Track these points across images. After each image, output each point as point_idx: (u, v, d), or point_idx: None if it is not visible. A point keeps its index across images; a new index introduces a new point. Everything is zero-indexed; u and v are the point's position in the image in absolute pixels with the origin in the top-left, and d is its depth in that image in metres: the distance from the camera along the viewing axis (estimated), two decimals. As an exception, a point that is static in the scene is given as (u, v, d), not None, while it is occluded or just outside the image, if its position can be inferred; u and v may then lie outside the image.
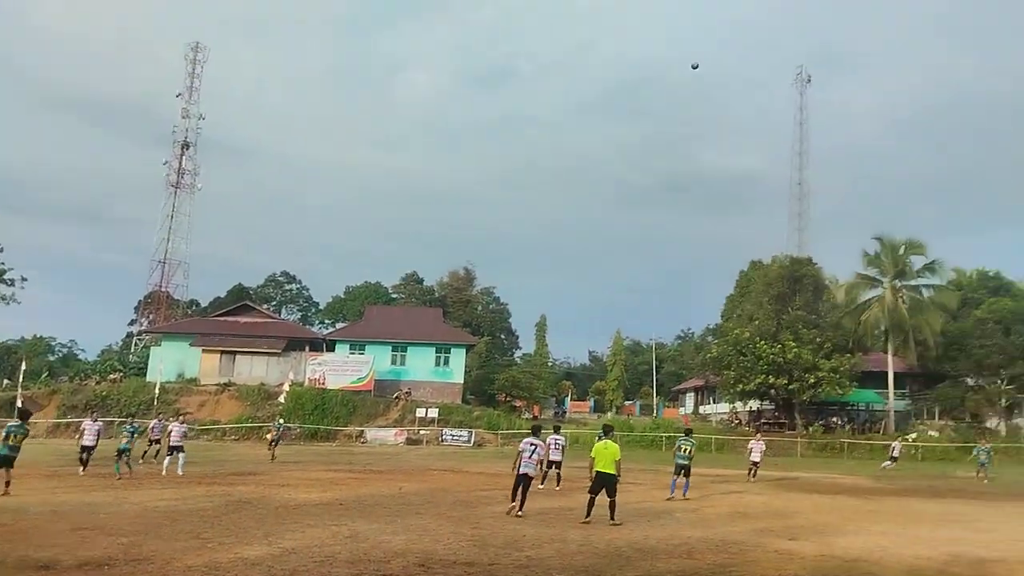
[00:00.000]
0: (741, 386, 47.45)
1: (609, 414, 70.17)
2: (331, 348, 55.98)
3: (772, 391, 47.47)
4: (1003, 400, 46.26)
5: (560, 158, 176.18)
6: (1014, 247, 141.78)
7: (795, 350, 45.46)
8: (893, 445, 35.30)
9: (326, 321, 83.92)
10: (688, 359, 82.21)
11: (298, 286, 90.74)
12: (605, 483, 13.80)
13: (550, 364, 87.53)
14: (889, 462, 32.37)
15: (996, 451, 40.65)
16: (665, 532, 13.14)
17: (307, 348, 55.76)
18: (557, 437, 20.87)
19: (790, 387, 45.93)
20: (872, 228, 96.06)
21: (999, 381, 45.79)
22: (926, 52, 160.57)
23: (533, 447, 14.77)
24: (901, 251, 50.43)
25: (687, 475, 18.66)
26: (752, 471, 25.49)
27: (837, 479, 27.55)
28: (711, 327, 78.27)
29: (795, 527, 14.39)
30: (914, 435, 45.68)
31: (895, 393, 50.31)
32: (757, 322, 50.47)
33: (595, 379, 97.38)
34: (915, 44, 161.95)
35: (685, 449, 18.88)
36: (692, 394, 73.49)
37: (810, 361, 45.41)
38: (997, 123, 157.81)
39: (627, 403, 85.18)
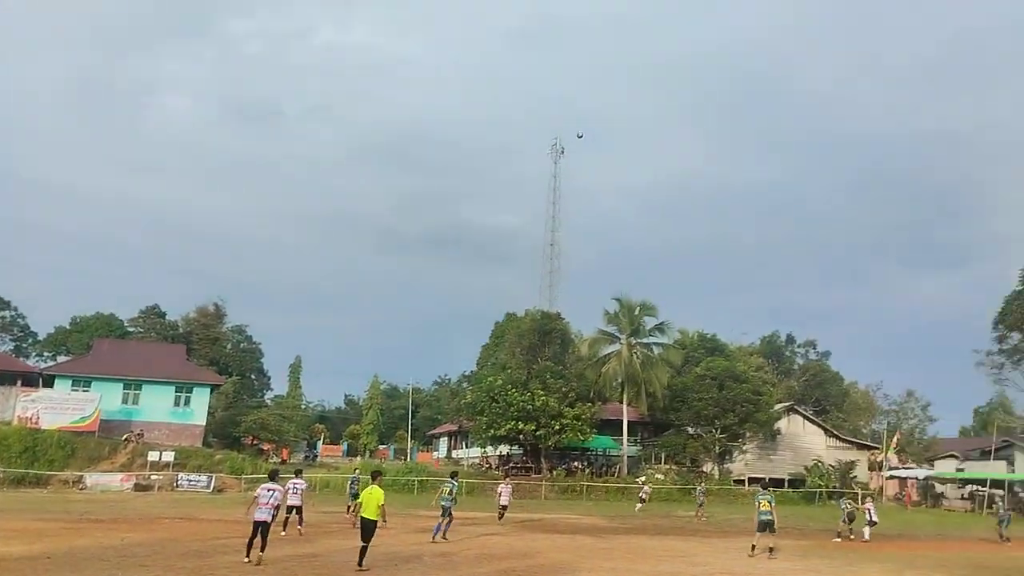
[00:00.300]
0: (493, 431, 48.91)
1: (358, 458, 68.93)
2: (49, 383, 49.69)
3: (521, 436, 49.42)
4: (717, 447, 51.85)
5: (326, 201, 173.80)
6: (727, 313, 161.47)
7: (543, 398, 47.84)
8: (644, 488, 38.51)
9: (45, 354, 74.29)
10: (444, 404, 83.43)
11: (12, 313, 79.56)
12: (363, 528, 13.89)
13: (303, 406, 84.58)
14: (640, 504, 35.08)
15: (710, 492, 45.40)
16: (415, 574, 13.12)
17: (19, 383, 49.07)
18: (297, 481, 20.25)
19: (537, 433, 48.11)
20: (613, 289, 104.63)
21: (713, 430, 51.24)
22: (666, 139, 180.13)
23: (270, 492, 14.33)
24: (636, 311, 55.16)
25: (448, 516, 19.59)
26: (501, 514, 26.32)
27: (576, 520, 29.20)
28: (467, 374, 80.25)
29: (536, 566, 15.03)
30: (643, 478, 49.69)
31: (628, 439, 54.59)
32: (509, 371, 52.50)
33: (350, 422, 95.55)
34: (657, 131, 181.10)
35: (447, 490, 20.02)
36: (446, 438, 74.43)
37: (556, 409, 48.00)
38: (721, 203, 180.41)
39: (381, 447, 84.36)
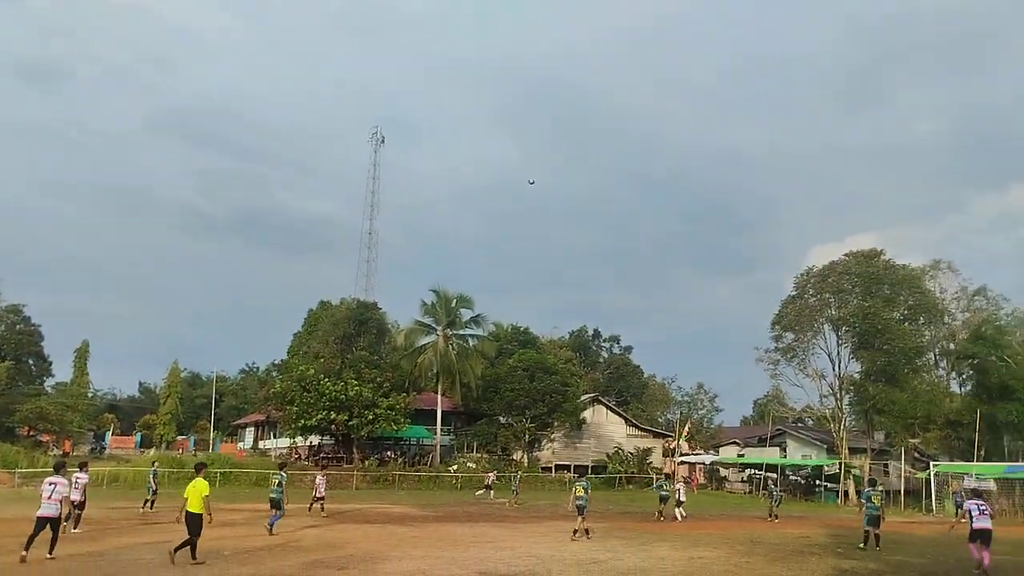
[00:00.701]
0: (303, 421, 47.51)
1: (152, 450, 64.53)
2: None
3: (333, 426, 48.40)
4: (527, 436, 53.56)
5: (121, 175, 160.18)
6: (540, 308, 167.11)
7: (357, 388, 47.15)
8: (490, 476, 39.87)
9: None
10: (251, 393, 79.99)
11: None
12: (188, 523, 13.41)
13: (90, 395, 77.74)
14: (484, 490, 35.78)
15: (522, 480, 46.78)
16: (213, 571, 12.47)
17: None
18: (80, 475, 18.76)
19: (350, 423, 47.34)
20: (431, 281, 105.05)
21: (524, 419, 52.90)
22: (485, 137, 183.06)
23: (52, 486, 13.32)
24: (453, 304, 55.75)
25: (278, 508, 19.46)
26: (314, 504, 25.89)
27: (388, 509, 29.02)
28: (277, 362, 77.35)
29: (345, 557, 14.79)
30: (455, 466, 50.32)
31: (442, 429, 55.07)
32: (323, 360, 51.25)
33: (145, 412, 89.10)
34: (476, 129, 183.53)
35: (275, 482, 20.07)
36: (253, 428, 71.42)
37: (370, 399, 47.47)
38: (534, 203, 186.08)
39: (180, 437, 79.47)
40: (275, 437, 62.11)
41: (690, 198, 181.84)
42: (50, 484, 13.30)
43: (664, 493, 28.17)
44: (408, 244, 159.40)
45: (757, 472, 52.41)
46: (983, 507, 15.78)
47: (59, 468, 14.29)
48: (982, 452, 42.92)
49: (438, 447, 53.64)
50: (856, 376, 48.97)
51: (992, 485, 37.70)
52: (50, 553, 13.08)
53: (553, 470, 55.27)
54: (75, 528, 17.98)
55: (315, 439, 53.88)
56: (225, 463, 47.40)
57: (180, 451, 64.96)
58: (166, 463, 45.13)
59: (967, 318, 55.11)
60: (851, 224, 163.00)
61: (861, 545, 18.71)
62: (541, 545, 17.69)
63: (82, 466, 20.26)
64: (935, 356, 55.74)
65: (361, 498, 35.72)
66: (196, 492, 13.53)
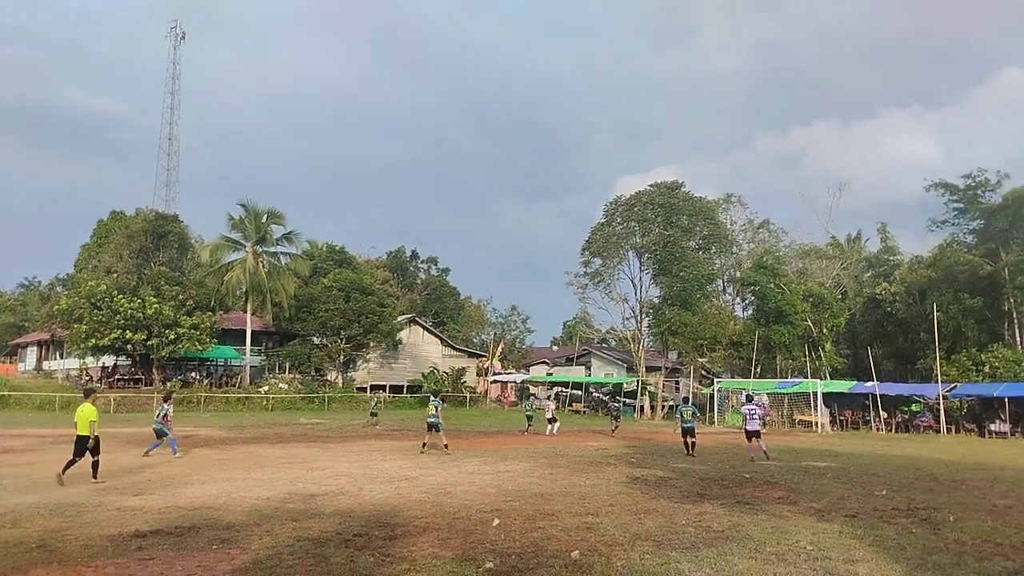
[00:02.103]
0: (94, 341, 44.02)
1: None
2: None
3: (129, 346, 45.28)
4: (341, 356, 53.01)
5: None
6: (357, 227, 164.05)
7: (156, 306, 44.25)
8: (374, 400, 39.23)
9: None
10: (33, 310, 72.81)
11: None
12: (77, 444, 14.22)
13: None
14: (371, 417, 35.12)
15: (335, 400, 46.55)
16: (-14, 503, 11.39)
17: None
18: None
19: (149, 343, 44.53)
20: (239, 194, 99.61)
21: (339, 340, 52.23)
22: (293, 41, 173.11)
23: None
24: (263, 219, 52.99)
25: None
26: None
27: (192, 431, 27.75)
28: (61, 276, 70.81)
29: (142, 482, 14.05)
30: (266, 387, 49.00)
31: (252, 349, 53.15)
32: (116, 275, 47.51)
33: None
34: (284, 31, 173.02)
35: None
36: (35, 348, 65.34)
37: (171, 317, 44.77)
38: (356, 120, 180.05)
39: (-57, 359, 71.19)
40: (62, 357, 57.20)
41: (508, 121, 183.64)
42: None
43: (529, 413, 31.83)
44: (214, 153, 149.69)
45: (563, 389, 55.35)
46: (753, 413, 20.23)
47: None
48: (759, 370, 47.88)
49: (247, 368, 51.83)
50: (655, 300, 52.55)
51: (766, 399, 42.31)
52: None
53: (369, 390, 55.32)
54: None
55: (109, 359, 50.24)
56: (2, 386, 43.22)
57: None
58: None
59: (752, 248, 60.61)
60: (656, 156, 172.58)
61: (687, 453, 20.95)
62: (353, 464, 17.74)
63: None
64: (723, 283, 61.01)
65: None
66: (85, 417, 14.21)
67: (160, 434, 19.51)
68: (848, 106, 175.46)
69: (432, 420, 21.54)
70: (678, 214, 51.47)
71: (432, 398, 23.43)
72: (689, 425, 21.25)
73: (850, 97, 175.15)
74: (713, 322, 51.35)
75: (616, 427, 31.82)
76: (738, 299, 60.13)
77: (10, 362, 70.52)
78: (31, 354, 66.50)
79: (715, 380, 48.47)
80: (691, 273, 49.85)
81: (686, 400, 24.37)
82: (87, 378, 50.16)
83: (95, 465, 14.22)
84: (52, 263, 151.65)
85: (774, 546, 8.85)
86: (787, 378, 45.91)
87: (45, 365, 61.75)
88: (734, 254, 59.67)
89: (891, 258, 61.59)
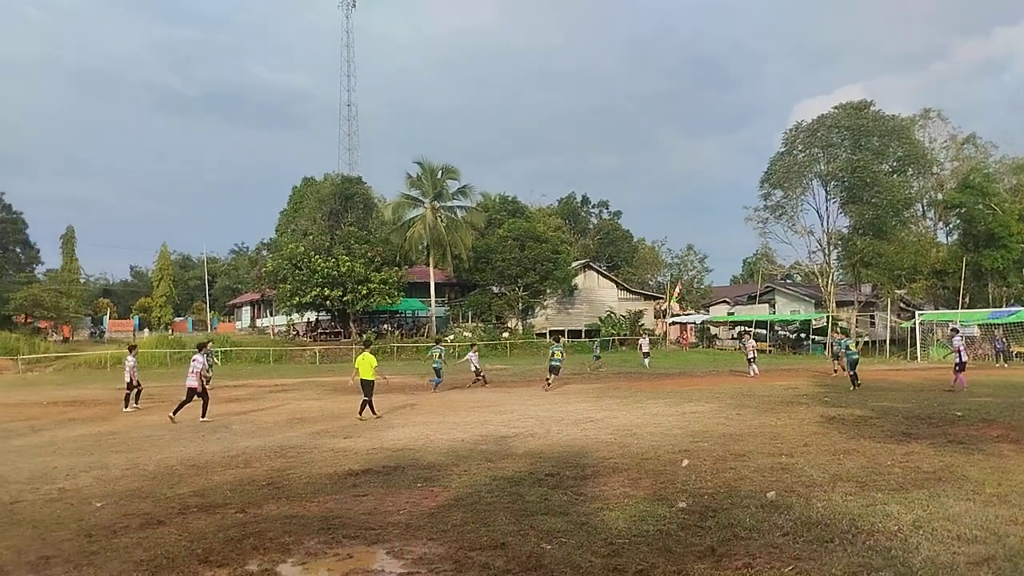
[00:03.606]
0: (298, 299, 47.96)
1: (145, 332, 65.20)
2: None
3: (328, 303, 48.89)
4: (520, 304, 54.35)
5: (81, 56, 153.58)
6: (525, 176, 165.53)
7: (348, 264, 47.28)
8: (596, 343, 40.52)
9: None
10: (243, 273, 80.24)
11: None
12: (364, 387, 16.55)
13: (82, 280, 77.86)
14: (595, 359, 35.78)
15: (515, 347, 47.83)
16: (221, 445, 12.83)
17: None
18: (129, 358, 19.84)
19: (344, 298, 47.81)
20: (414, 152, 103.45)
21: (516, 288, 53.51)
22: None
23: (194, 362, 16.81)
24: (439, 175, 54.71)
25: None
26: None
27: (388, 379, 29.65)
28: (265, 241, 77.27)
29: (349, 427, 15.22)
30: (451, 336, 51.30)
31: (436, 301, 55.72)
32: (311, 237, 51.10)
33: (139, 295, 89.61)
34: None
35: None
36: (249, 307, 72.17)
37: (362, 274, 47.71)
38: (511, 65, 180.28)
39: (178, 319, 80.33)
40: (271, 315, 62.85)
41: (672, 54, 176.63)
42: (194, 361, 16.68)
43: (555, 363, 24.74)
44: (388, 116, 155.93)
45: (747, 328, 53.55)
46: (960, 345, 21.15)
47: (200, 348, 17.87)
48: (967, 300, 43.84)
49: (433, 318, 54.44)
50: (844, 231, 49.28)
51: (976, 331, 38.76)
52: (203, 416, 16.25)
53: (548, 335, 56.42)
54: (134, 404, 19.28)
55: (312, 315, 54.55)
56: (225, 342, 48.21)
57: (179, 332, 65.74)
58: (167, 344, 45.89)
59: (956, 167, 54.94)
60: (838, 76, 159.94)
61: (851, 388, 20.87)
62: (539, 407, 18.23)
63: (131, 348, 20.73)
64: (923, 207, 55.96)
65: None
66: (367, 364, 16.62)
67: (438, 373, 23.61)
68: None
69: (556, 363, 23.88)
70: (867, 136, 47.58)
71: (555, 343, 26.83)
72: (855, 357, 22.04)
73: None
74: (912, 250, 47.43)
75: (837, 370, 27.66)
76: (941, 224, 54.97)
77: (229, 321, 78.48)
78: (246, 313, 73.57)
79: (916, 313, 44.90)
80: (885, 199, 46.12)
81: (847, 333, 25.05)
82: (293, 333, 54.84)
83: (370, 404, 16.51)
84: (258, 229, 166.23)
85: (994, 487, 8.16)
86: (1001, 307, 41.67)
87: (258, 322, 68.14)
88: (935, 175, 54.36)
89: None
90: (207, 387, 16.83)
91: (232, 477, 10.00)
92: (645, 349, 36.44)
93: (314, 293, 47.22)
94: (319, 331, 53.50)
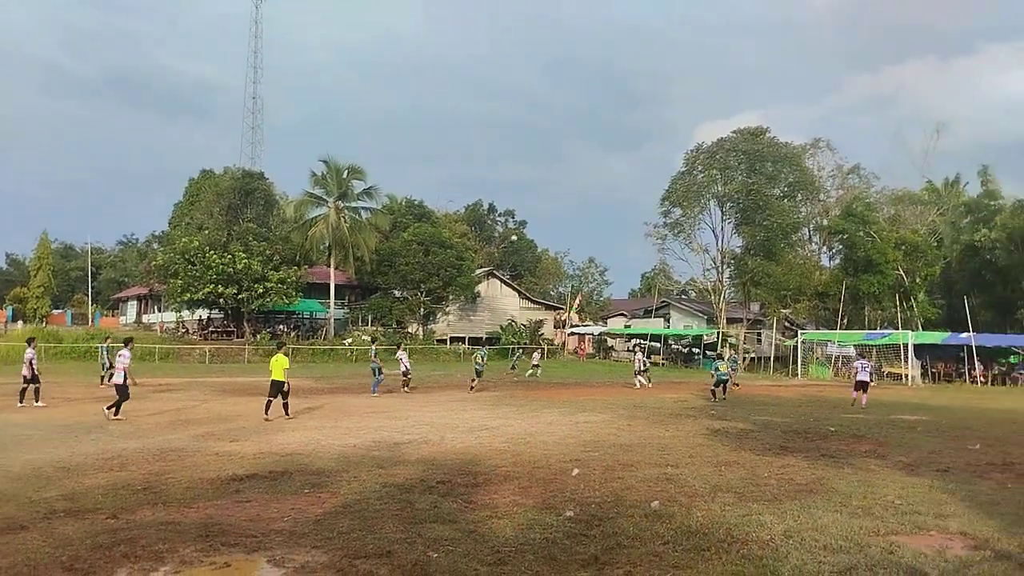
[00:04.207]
0: (189, 295, 46.06)
1: (21, 324, 61.31)
2: None
3: (221, 300, 47.19)
4: (422, 309, 53.96)
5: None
6: (432, 181, 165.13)
7: (245, 261, 45.81)
8: (534, 355, 39.74)
9: None
10: (131, 266, 76.64)
11: None
12: (272, 386, 16.66)
13: (-51, 266, 72.51)
14: (532, 370, 36.20)
15: (415, 352, 47.30)
16: (96, 447, 12.18)
17: None
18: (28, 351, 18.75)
19: (239, 297, 46.27)
20: (321, 151, 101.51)
21: (419, 293, 53.10)
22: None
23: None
24: (344, 174, 53.75)
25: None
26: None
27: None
28: (157, 234, 74.03)
29: (237, 429, 14.73)
30: (350, 340, 50.40)
31: (336, 303, 54.68)
32: (207, 232, 49.27)
33: (14, 285, 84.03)
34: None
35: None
36: (135, 302, 68.93)
37: (260, 272, 46.31)
38: (430, 72, 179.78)
39: (56, 311, 75.79)
40: (160, 311, 60.16)
41: (587, 70, 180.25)
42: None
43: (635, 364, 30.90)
44: (298, 113, 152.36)
45: (642, 341, 54.94)
46: (865, 366, 23.12)
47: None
48: (845, 321, 46.43)
49: (332, 320, 53.38)
50: (737, 251, 51.33)
51: (852, 351, 41.08)
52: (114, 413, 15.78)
53: (448, 342, 56.25)
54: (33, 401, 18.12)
55: (204, 313, 52.55)
56: (107, 338, 45.73)
57: (56, 325, 61.98)
58: (43, 337, 43.15)
59: (840, 196, 58.19)
60: (738, 102, 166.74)
61: (712, 399, 22.68)
62: (435, 413, 18.16)
63: (30, 341, 19.70)
64: (809, 231, 58.98)
65: (253, 371, 35.37)
66: (279, 365, 16.60)
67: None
68: (945, 43, 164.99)
69: (478, 367, 26.26)
70: (762, 161, 49.82)
71: (479, 348, 28.55)
72: (724, 378, 23.59)
73: (947, 33, 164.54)
74: (798, 272, 49.89)
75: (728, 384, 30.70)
76: (825, 248, 58.07)
77: (113, 315, 74.63)
78: (132, 308, 70.16)
79: (799, 332, 47.25)
80: (775, 222, 48.38)
81: (720, 356, 27.95)
82: (183, 331, 52.63)
83: (286, 406, 16.60)
84: (149, 221, 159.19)
85: (860, 500, 8.67)
86: (875, 329, 44.37)
87: (145, 318, 65.07)
88: (821, 201, 57.45)
89: (992, 203, 58.14)
90: (129, 384, 16.17)
91: (105, 481, 9.50)
92: (535, 361, 37.58)
93: (207, 290, 45.47)
94: (211, 329, 51.56)
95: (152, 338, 49.38)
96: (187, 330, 52.93)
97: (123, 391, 15.96)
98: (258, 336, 48.36)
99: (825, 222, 55.46)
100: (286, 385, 16.58)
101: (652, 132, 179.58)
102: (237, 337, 48.99)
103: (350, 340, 50.34)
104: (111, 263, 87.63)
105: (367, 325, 54.70)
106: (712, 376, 24.74)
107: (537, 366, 37.02)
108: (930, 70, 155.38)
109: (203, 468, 10.44)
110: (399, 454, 11.91)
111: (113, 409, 15.74)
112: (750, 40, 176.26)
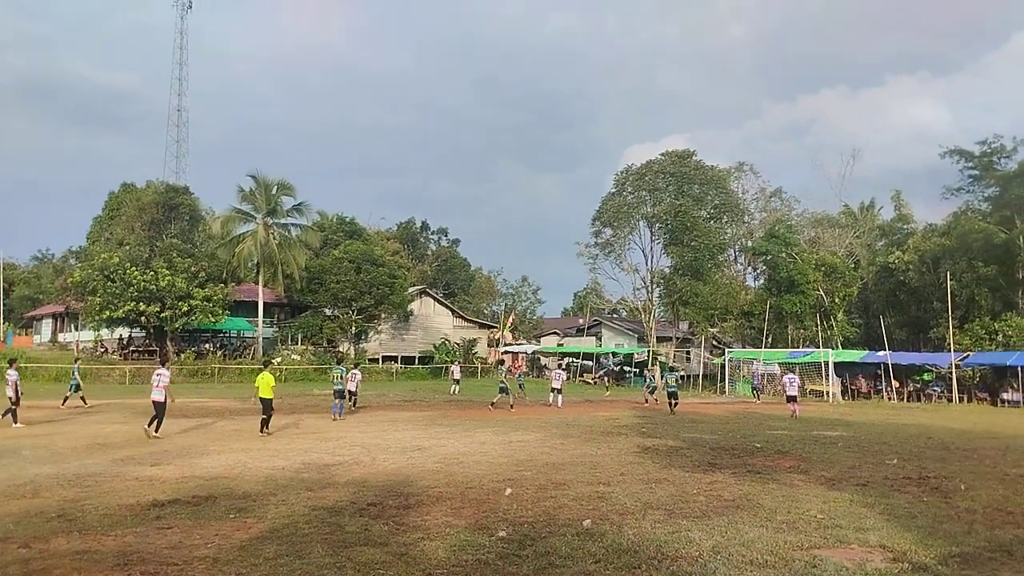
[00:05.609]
0: (108, 313, 44.34)
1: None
2: None
3: (143, 319, 45.59)
4: (353, 328, 53.23)
5: None
6: (364, 197, 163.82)
7: (168, 278, 44.43)
8: (454, 368, 40.33)
9: None
10: (46, 283, 73.39)
11: None
12: (263, 405, 17.48)
13: None
14: (455, 386, 37.20)
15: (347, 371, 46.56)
16: (7, 473, 11.58)
17: None
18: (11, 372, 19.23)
19: (162, 315, 44.81)
20: (249, 166, 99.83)
21: (350, 312, 52.39)
22: (306, 10, 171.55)
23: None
24: (274, 190, 52.72)
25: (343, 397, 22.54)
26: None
27: (206, 403, 28.08)
28: (74, 249, 71.22)
29: (159, 453, 14.22)
30: (279, 359, 49.32)
31: (264, 321, 53.44)
32: (128, 248, 47.67)
33: (-83, 303, 79.49)
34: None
35: (337, 376, 23.13)
36: (50, 320, 66.00)
37: (184, 289, 44.96)
38: (360, 87, 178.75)
39: (-39, 332, 71.93)
40: (77, 330, 57.74)
41: (515, 89, 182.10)
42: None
43: (502, 385, 29.47)
44: (224, 126, 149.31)
45: (575, 360, 55.44)
46: (793, 380, 26.60)
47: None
48: (770, 339, 47.81)
49: (260, 339, 52.18)
50: (666, 270, 52.39)
51: (776, 368, 42.26)
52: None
53: (380, 361, 55.62)
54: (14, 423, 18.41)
55: (124, 332, 50.67)
56: (21, 358, 43.61)
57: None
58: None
59: (764, 218, 60.17)
60: (665, 125, 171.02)
61: (671, 412, 24.94)
62: (366, 434, 17.90)
63: (11, 362, 20.22)
64: (735, 252, 60.72)
65: (177, 392, 34.20)
66: (265, 383, 17.40)
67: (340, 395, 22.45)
68: (855, 73, 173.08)
69: (338, 387, 22.66)
70: (689, 183, 51.12)
71: (336, 365, 24.79)
72: (674, 390, 26.20)
73: (856, 64, 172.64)
74: (724, 292, 51.22)
75: (648, 400, 31.20)
76: (750, 269, 59.88)
77: (26, 334, 71.29)
78: (46, 326, 67.14)
79: (726, 350, 48.43)
80: (702, 243, 49.63)
81: (672, 369, 29.12)
82: (102, 350, 50.61)
83: (265, 422, 17.34)
84: (65, 236, 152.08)
85: (784, 515, 8.90)
86: (798, 348, 45.81)
87: (60, 337, 62.35)
88: (746, 223, 59.30)
89: (905, 226, 60.98)
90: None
91: (17, 508, 9.04)
92: (456, 376, 38.53)
93: (128, 308, 43.85)
94: (132, 348, 49.73)
95: (68, 358, 47.31)
96: (106, 349, 50.95)
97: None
98: (182, 356, 46.84)
99: (750, 243, 57.18)
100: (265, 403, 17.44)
101: (582, 153, 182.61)
102: (160, 357, 47.33)
103: (279, 359, 49.27)
104: (25, 279, 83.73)
105: (297, 344, 53.65)
106: (645, 390, 27.77)
107: (458, 381, 37.48)
108: (842, 99, 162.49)
109: (122, 494, 10.03)
110: (329, 476, 11.69)
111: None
112: (674, 66, 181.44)
